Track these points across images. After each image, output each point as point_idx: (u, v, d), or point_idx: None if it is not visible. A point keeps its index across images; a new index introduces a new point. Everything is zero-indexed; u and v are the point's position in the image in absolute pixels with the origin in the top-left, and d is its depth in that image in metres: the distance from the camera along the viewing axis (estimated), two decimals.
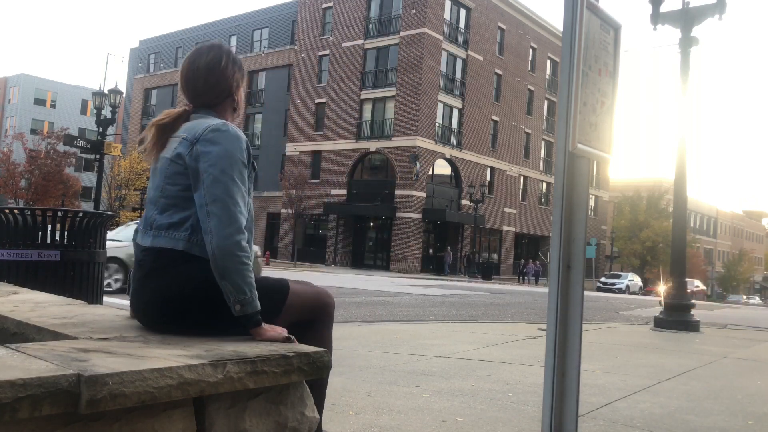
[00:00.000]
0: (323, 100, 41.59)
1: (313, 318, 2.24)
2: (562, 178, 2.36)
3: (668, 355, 6.29)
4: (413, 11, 37.82)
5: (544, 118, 48.49)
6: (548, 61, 48.72)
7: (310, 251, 40.57)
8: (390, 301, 12.88)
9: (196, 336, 1.94)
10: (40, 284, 3.84)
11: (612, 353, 6.19)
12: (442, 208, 38.61)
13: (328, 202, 39.91)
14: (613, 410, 3.66)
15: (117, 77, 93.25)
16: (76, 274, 4.27)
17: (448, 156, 39.31)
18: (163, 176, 2.07)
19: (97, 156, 21.21)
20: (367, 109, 39.97)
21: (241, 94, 2.27)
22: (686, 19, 9.39)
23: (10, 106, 68.58)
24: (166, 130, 2.13)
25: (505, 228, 44.69)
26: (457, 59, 40.24)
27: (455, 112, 40.25)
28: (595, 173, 50.21)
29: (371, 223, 40.38)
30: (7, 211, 4.18)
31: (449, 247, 39.19)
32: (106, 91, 20.80)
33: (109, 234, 9.82)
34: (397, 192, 37.45)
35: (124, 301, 5.92)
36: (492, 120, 42.99)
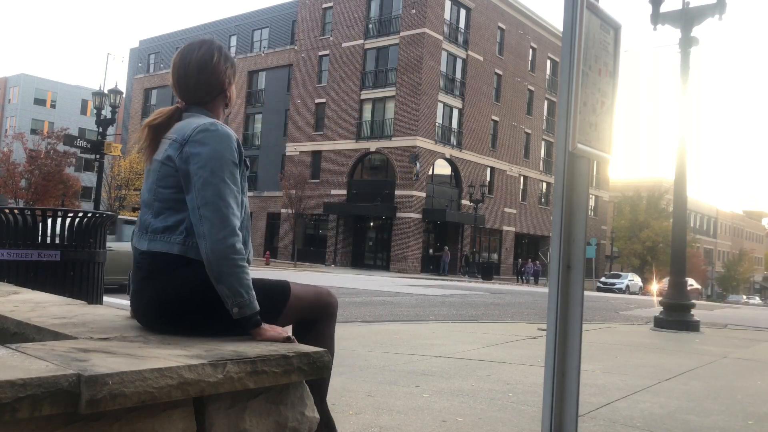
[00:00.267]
0: (323, 100, 41.57)
1: (315, 318, 2.24)
2: (562, 178, 2.36)
3: (668, 355, 6.29)
4: (413, 11, 37.81)
5: (544, 118, 48.48)
6: (548, 61, 48.71)
7: (310, 251, 40.57)
8: (390, 301, 12.88)
9: (196, 336, 1.94)
10: (40, 284, 3.84)
11: (612, 353, 6.19)
12: (442, 208, 38.59)
13: (328, 202, 39.88)
14: (613, 410, 3.66)
15: (117, 77, 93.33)
16: (76, 274, 4.27)
17: (448, 156, 39.31)
18: (156, 178, 2.06)
19: (97, 156, 21.21)
20: (367, 109, 39.96)
21: (233, 90, 2.25)
22: (686, 19, 9.39)
23: (10, 106, 68.57)
24: (159, 130, 2.12)
25: (505, 228, 44.69)
26: (457, 59, 40.23)
27: (455, 112, 40.24)
28: (595, 173, 50.19)
29: (371, 223, 40.37)
30: (7, 211, 4.18)
31: (447, 247, 39.18)
32: (106, 91, 20.79)
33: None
34: (397, 192, 37.44)
35: (124, 301, 5.92)
36: (492, 120, 42.99)
